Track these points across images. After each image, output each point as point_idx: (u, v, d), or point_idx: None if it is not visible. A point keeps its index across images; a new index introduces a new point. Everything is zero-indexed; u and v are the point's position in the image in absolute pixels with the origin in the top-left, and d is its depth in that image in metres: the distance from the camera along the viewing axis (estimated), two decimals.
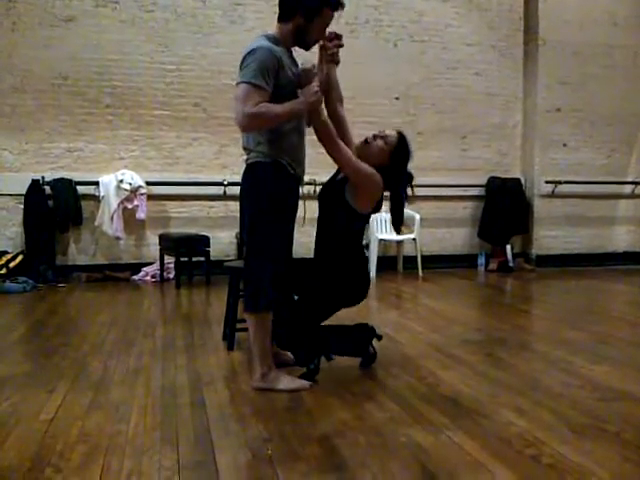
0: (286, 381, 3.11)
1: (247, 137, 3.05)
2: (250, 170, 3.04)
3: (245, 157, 3.10)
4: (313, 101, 2.91)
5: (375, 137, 3.27)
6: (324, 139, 3.06)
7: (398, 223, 3.39)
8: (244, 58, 2.87)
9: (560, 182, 8.13)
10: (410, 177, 3.35)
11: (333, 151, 3.07)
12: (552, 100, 8.14)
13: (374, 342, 3.56)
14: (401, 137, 3.29)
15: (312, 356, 3.30)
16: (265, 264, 3.03)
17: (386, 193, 3.29)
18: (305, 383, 3.13)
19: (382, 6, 7.73)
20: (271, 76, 2.81)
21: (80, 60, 6.83)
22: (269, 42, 2.91)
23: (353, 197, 3.16)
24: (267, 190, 2.98)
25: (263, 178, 2.98)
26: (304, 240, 7.50)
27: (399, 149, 3.26)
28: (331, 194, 3.29)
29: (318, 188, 7.70)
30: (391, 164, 3.23)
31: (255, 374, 3.12)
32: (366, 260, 3.50)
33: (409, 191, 3.37)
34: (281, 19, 2.99)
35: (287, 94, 2.90)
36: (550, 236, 8.25)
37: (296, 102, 2.90)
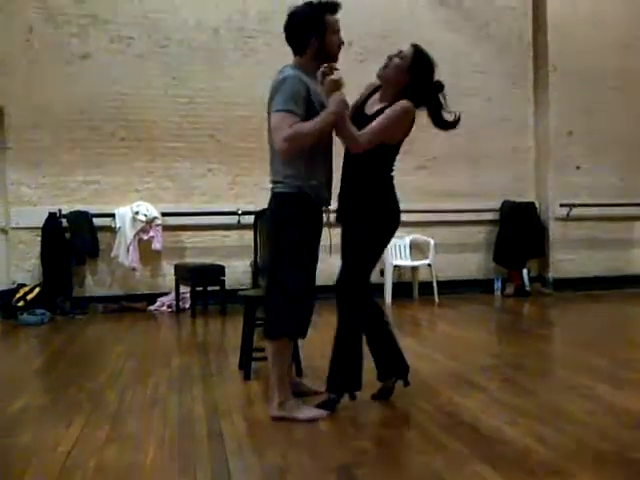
0: (304, 410, 3.09)
1: (273, 168, 3.13)
2: (275, 199, 3.09)
3: (271, 185, 3.14)
4: (340, 108, 2.94)
5: (390, 57, 3.20)
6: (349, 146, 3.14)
7: (446, 129, 3.35)
8: (275, 88, 2.96)
9: (575, 205, 8.08)
10: (439, 86, 3.27)
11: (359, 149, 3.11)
12: (564, 124, 8.14)
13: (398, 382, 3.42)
14: (416, 49, 3.21)
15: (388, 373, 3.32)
16: (285, 292, 3.02)
17: None
18: (323, 412, 3.11)
19: (391, 36, 7.80)
20: (302, 102, 2.88)
21: (96, 95, 6.96)
22: (296, 70, 2.99)
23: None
24: (290, 220, 3.01)
25: (286, 208, 3.02)
26: (322, 267, 7.54)
27: (416, 60, 3.18)
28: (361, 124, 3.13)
29: (332, 216, 7.73)
30: (412, 78, 3.16)
31: (273, 402, 3.10)
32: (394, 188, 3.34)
33: (443, 101, 3.31)
34: (298, 52, 3.06)
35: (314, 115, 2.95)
36: (567, 259, 8.17)
37: (324, 113, 2.94)
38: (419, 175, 7.88)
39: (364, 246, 3.24)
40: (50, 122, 6.86)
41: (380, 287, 7.40)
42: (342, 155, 3.25)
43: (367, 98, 3.33)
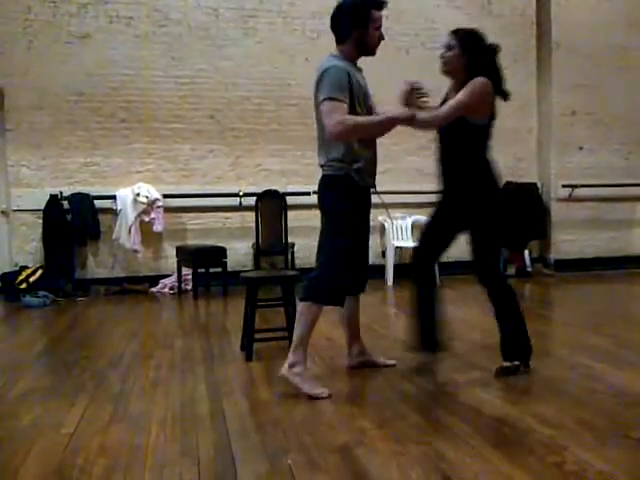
0: (309, 384, 3.14)
1: (321, 152, 3.31)
2: (322, 180, 3.30)
3: (322, 168, 3.32)
4: (400, 122, 3.20)
5: (442, 55, 3.41)
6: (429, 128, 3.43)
7: (505, 98, 3.45)
8: (321, 78, 3.12)
9: (577, 186, 8.06)
10: (494, 48, 3.47)
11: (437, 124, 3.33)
12: (567, 103, 8.08)
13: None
14: (456, 32, 3.42)
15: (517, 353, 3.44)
16: (331, 263, 3.20)
17: None
18: (325, 392, 3.12)
19: (393, 14, 7.70)
20: (346, 89, 3.06)
21: (95, 76, 6.92)
22: (338, 60, 3.17)
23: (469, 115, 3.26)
24: (336, 200, 3.23)
25: (332, 189, 3.24)
26: None
27: (463, 41, 3.38)
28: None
29: None
30: (470, 56, 3.35)
31: (286, 362, 3.17)
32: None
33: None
34: (340, 41, 3.23)
35: (358, 103, 3.15)
36: (568, 240, 8.16)
37: (384, 117, 3.16)
38: (421, 156, 7.83)
39: (489, 230, 3.45)
40: (50, 103, 6.83)
41: (381, 268, 7.42)
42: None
43: (444, 101, 3.49)
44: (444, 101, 3.47)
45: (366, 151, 3.31)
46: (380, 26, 3.22)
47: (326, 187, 3.29)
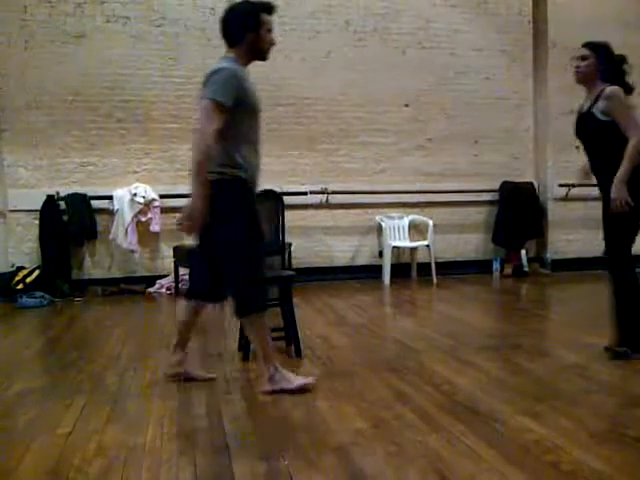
0: (292, 378, 3.18)
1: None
2: (217, 186, 3.11)
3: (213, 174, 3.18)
4: (186, 217, 3.03)
5: (576, 67, 3.76)
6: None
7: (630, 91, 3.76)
8: (209, 77, 3.08)
9: (574, 185, 8.05)
10: (623, 59, 3.83)
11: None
12: (563, 102, 8.06)
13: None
14: (588, 45, 3.78)
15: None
16: (245, 269, 3.15)
17: None
18: (309, 379, 3.19)
19: (390, 14, 7.75)
20: (232, 95, 3.02)
21: (91, 76, 6.91)
22: (231, 63, 3.15)
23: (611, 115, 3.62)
24: (233, 204, 3.12)
25: (226, 194, 3.11)
26: (320, 249, 7.56)
27: (596, 52, 3.74)
28: (587, 124, 3.76)
29: (331, 197, 7.71)
30: (603, 62, 3.72)
31: (263, 377, 3.19)
32: None
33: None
34: (232, 45, 3.22)
35: (248, 111, 3.15)
36: (565, 240, 8.18)
37: (200, 195, 3.00)
38: (418, 155, 7.87)
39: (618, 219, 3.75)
40: (46, 103, 6.81)
41: (379, 268, 7.43)
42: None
43: (579, 110, 3.89)
44: (581, 109, 3.84)
45: (254, 158, 3.30)
46: (271, 30, 3.23)
47: (218, 192, 3.13)
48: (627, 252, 3.79)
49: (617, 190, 3.59)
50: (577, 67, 3.76)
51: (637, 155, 3.54)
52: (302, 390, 3.13)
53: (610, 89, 3.63)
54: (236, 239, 3.12)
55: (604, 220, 3.94)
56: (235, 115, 3.05)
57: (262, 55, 3.27)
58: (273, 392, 3.12)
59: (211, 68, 3.13)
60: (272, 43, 3.27)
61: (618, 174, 3.55)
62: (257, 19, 3.16)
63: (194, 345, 4.33)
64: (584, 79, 3.77)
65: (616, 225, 3.78)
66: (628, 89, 3.74)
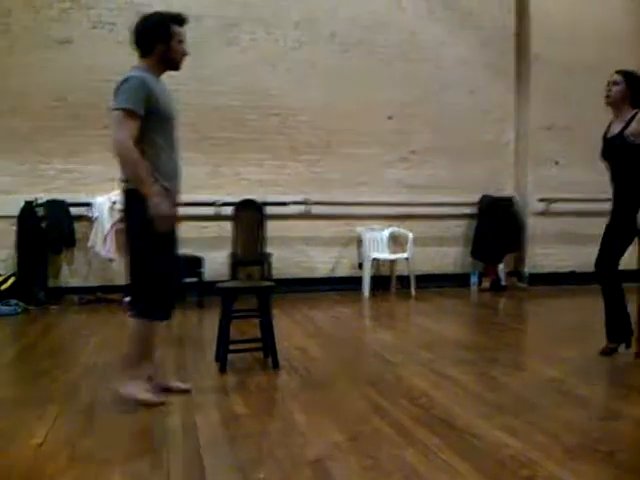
0: (146, 393, 3.20)
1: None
2: (126, 197, 3.19)
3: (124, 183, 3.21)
4: (160, 218, 3.07)
5: (608, 90, 4.16)
6: None
7: None
8: (118, 87, 3.13)
9: (553, 200, 8.17)
10: None
11: None
12: (544, 117, 8.19)
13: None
14: (622, 72, 4.16)
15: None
16: (148, 278, 3.20)
17: None
18: (156, 399, 3.18)
19: (375, 26, 7.81)
20: (143, 103, 3.07)
21: (76, 82, 6.85)
22: (140, 72, 3.19)
23: None
24: (141, 214, 3.08)
25: (137, 203, 3.09)
26: (300, 260, 7.55)
27: (628, 78, 4.11)
28: (618, 146, 4.11)
29: (312, 207, 7.71)
30: (633, 89, 4.09)
31: (121, 379, 3.23)
32: None
33: None
34: (144, 55, 3.28)
35: (160, 118, 3.19)
36: (543, 254, 8.26)
37: (153, 195, 3.04)
38: (399, 167, 7.91)
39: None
40: (29, 108, 6.75)
41: (358, 280, 7.43)
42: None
43: (605, 133, 4.30)
44: (608, 128, 4.26)
45: (172, 165, 3.30)
46: (182, 41, 3.29)
47: (129, 201, 3.19)
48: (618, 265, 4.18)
49: None
50: (609, 91, 4.14)
51: None
52: (145, 404, 3.13)
53: None
54: (146, 249, 3.16)
55: (610, 237, 4.18)
56: (147, 123, 3.10)
57: (174, 65, 3.34)
58: (126, 397, 3.16)
59: (121, 78, 3.17)
60: (184, 54, 3.33)
61: None
62: (167, 30, 3.22)
63: (171, 356, 4.30)
64: (615, 103, 4.14)
65: (623, 243, 4.10)
66: None
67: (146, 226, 3.08)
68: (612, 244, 4.13)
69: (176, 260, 3.46)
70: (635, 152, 4.02)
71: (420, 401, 3.24)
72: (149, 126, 3.12)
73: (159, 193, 3.08)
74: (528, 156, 8.22)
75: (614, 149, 4.16)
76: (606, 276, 4.18)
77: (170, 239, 3.30)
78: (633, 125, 4.01)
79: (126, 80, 3.12)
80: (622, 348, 4.20)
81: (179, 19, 3.28)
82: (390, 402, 3.23)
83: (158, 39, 3.22)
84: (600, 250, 4.23)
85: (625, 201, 4.10)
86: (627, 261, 4.22)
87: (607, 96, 4.17)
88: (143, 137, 3.10)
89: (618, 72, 4.18)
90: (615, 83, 4.13)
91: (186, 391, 3.42)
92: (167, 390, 3.39)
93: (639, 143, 3.99)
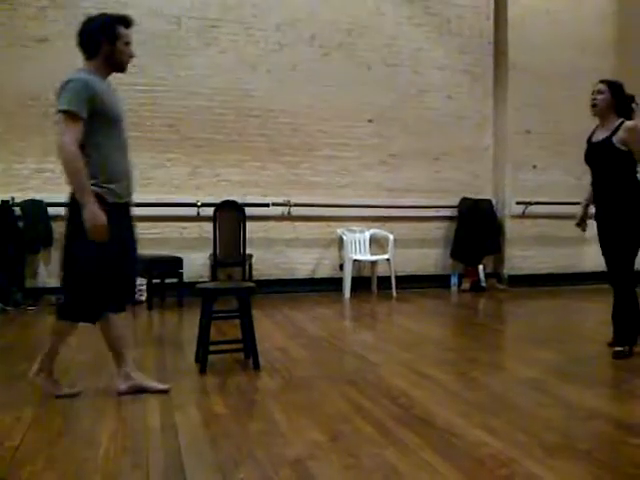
0: (56, 387, 3.31)
1: None
2: (70, 199, 3.19)
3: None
4: (93, 227, 3.04)
5: (594, 99, 4.26)
6: None
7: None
8: (60, 88, 3.10)
9: (530, 203, 8.26)
10: (632, 97, 4.31)
11: None
12: (522, 122, 8.30)
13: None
14: (605, 82, 4.28)
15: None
16: (79, 281, 3.21)
17: None
18: (73, 391, 3.31)
19: (355, 30, 7.85)
20: (86, 105, 3.06)
21: (51, 81, 6.63)
22: (84, 74, 3.18)
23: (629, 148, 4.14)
24: (80, 217, 3.07)
25: (77, 207, 3.10)
26: (281, 261, 7.54)
27: (612, 88, 4.24)
28: (603, 152, 4.23)
29: (293, 209, 7.71)
30: (617, 98, 4.22)
31: (33, 367, 3.32)
32: None
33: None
34: (89, 57, 3.27)
35: (106, 120, 3.17)
36: (521, 256, 8.35)
37: (89, 205, 3.03)
38: (380, 170, 7.95)
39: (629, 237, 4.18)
40: (4, 107, 6.66)
41: (339, 281, 7.45)
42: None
43: (590, 138, 4.42)
44: (593, 133, 4.39)
45: (121, 167, 3.28)
46: (129, 43, 3.29)
47: (71, 204, 3.18)
48: (632, 267, 4.22)
49: None
50: (594, 100, 4.26)
51: None
52: (60, 397, 3.25)
53: (631, 123, 4.16)
54: (86, 253, 3.13)
55: (606, 240, 4.30)
56: (92, 126, 3.08)
57: (120, 67, 3.33)
58: (33, 382, 3.29)
59: (64, 80, 3.15)
60: (130, 56, 3.32)
61: None
62: (113, 32, 3.22)
63: (150, 357, 4.27)
64: (600, 111, 4.27)
65: (623, 245, 4.19)
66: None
67: (82, 231, 3.06)
68: (619, 249, 4.18)
69: (125, 265, 3.35)
70: (621, 158, 4.15)
71: (400, 401, 3.25)
72: (94, 128, 3.10)
73: (95, 203, 3.03)
74: (506, 160, 8.31)
75: (598, 154, 4.28)
76: (621, 282, 4.21)
77: (115, 244, 3.19)
78: (620, 134, 4.14)
79: (67, 82, 3.10)
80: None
81: (125, 21, 3.28)
82: (371, 402, 3.23)
83: (104, 40, 3.21)
84: (607, 259, 4.30)
85: (612, 203, 4.22)
86: None
87: (593, 105, 4.28)
88: (88, 140, 3.09)
89: (602, 81, 4.30)
90: (600, 92, 4.25)
91: (163, 391, 3.38)
92: (144, 390, 3.37)
93: (623, 150, 4.13)
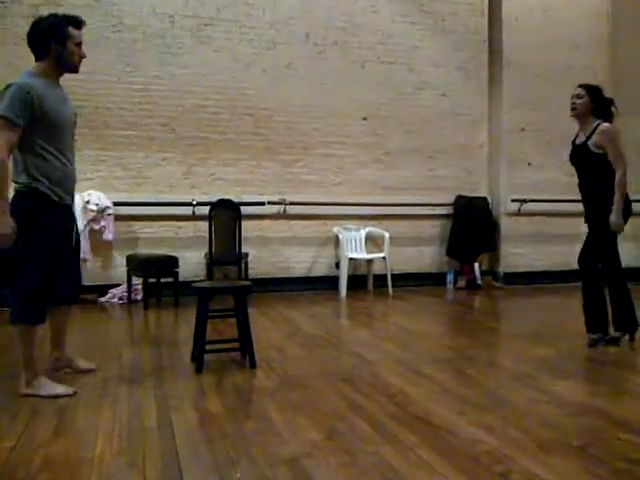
0: (49, 388, 3.31)
1: (15, 166, 3.26)
2: (13, 198, 3.22)
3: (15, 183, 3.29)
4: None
5: (573, 104, 4.42)
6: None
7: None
8: (2, 92, 3.13)
9: (525, 201, 8.28)
10: (611, 100, 4.45)
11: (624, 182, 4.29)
12: (516, 120, 8.31)
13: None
14: (585, 86, 4.43)
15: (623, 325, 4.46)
16: (26, 281, 3.24)
17: None
18: (68, 390, 3.32)
19: (350, 28, 7.84)
20: (25, 111, 3.08)
21: None
22: (30, 77, 3.21)
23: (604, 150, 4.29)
24: (23, 216, 3.15)
25: (19, 205, 3.18)
26: (276, 259, 7.54)
27: (590, 91, 4.39)
28: (583, 155, 4.42)
29: (289, 207, 7.71)
30: (595, 102, 4.38)
31: (21, 380, 3.31)
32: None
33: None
34: (39, 58, 3.29)
35: (47, 125, 3.21)
36: (517, 254, 8.37)
37: (2, 212, 3.03)
38: (375, 168, 7.95)
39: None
40: None
41: (335, 279, 7.45)
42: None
43: (574, 140, 4.61)
44: (577, 140, 4.54)
45: (61, 172, 3.32)
46: (80, 43, 3.31)
47: (13, 203, 3.22)
48: (619, 259, 4.49)
49: (618, 216, 4.24)
50: (573, 104, 4.42)
51: (625, 184, 4.23)
52: (56, 397, 3.25)
53: (605, 126, 4.30)
54: (23, 250, 3.18)
55: (591, 238, 4.48)
56: (32, 131, 3.12)
57: (71, 68, 3.35)
58: (28, 395, 3.25)
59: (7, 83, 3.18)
60: (82, 56, 3.35)
61: (616, 203, 4.21)
62: (63, 32, 3.24)
63: (146, 357, 4.27)
64: (579, 115, 4.43)
65: (607, 241, 4.40)
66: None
67: (24, 227, 3.13)
68: (600, 251, 4.46)
69: (65, 261, 3.46)
70: (597, 161, 4.32)
71: (397, 399, 3.26)
72: (35, 133, 3.14)
73: (6, 212, 3.05)
74: (501, 157, 8.33)
75: (579, 157, 4.49)
76: (586, 270, 4.50)
77: (59, 242, 3.34)
78: (594, 138, 4.31)
79: (8, 87, 3.11)
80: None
81: (76, 21, 3.31)
82: (367, 400, 3.24)
83: (53, 40, 3.23)
84: (583, 256, 4.55)
85: (594, 202, 4.41)
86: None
87: (572, 109, 4.44)
88: (28, 144, 3.14)
89: (581, 86, 4.45)
90: (579, 96, 4.41)
91: (90, 370, 3.76)
92: (74, 369, 3.68)
93: (599, 153, 4.30)
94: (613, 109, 4.45)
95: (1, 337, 5.03)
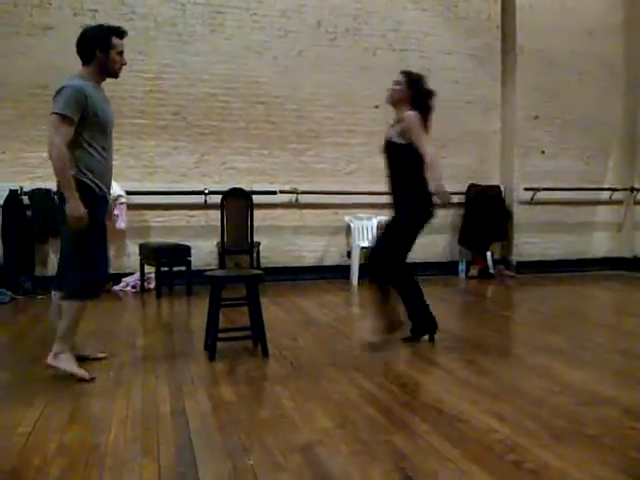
0: (71, 365, 3.44)
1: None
2: (59, 191, 3.46)
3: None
4: (74, 218, 3.32)
5: (392, 88, 4.10)
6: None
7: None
8: (57, 93, 3.40)
9: (539, 189, 8.22)
10: (431, 92, 4.10)
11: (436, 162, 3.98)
12: (530, 107, 8.24)
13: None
14: (405, 72, 4.12)
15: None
16: (77, 262, 3.49)
17: None
18: (86, 375, 3.39)
19: (361, 15, 7.79)
20: (78, 109, 3.35)
21: (59, 69, 6.74)
22: (80, 80, 3.49)
23: (408, 139, 3.96)
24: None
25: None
26: (288, 248, 7.55)
27: (409, 78, 4.08)
28: (392, 147, 4.16)
29: (300, 196, 7.71)
30: (413, 91, 4.03)
31: (51, 351, 3.46)
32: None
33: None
34: (85, 63, 3.58)
35: (96, 122, 3.45)
36: (530, 242, 8.33)
37: (73, 198, 3.31)
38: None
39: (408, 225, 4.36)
40: (12, 96, 6.67)
41: (347, 268, 7.45)
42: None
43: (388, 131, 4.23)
44: (390, 127, 4.20)
45: (103, 166, 3.55)
46: (122, 52, 3.61)
47: (61, 193, 3.43)
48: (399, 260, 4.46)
49: (441, 187, 3.96)
50: (391, 90, 4.10)
51: (437, 166, 3.91)
52: (74, 377, 3.38)
53: (407, 113, 3.94)
54: (74, 232, 3.39)
55: (391, 230, 4.41)
56: (82, 128, 3.38)
57: (112, 73, 3.63)
58: (51, 367, 3.44)
59: (62, 84, 3.44)
60: (123, 63, 3.65)
61: (435, 179, 3.93)
62: (107, 42, 3.54)
63: (160, 345, 4.30)
64: (394, 103, 4.12)
65: (410, 234, 4.43)
66: (426, 124, 4.01)
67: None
68: (387, 242, 4.37)
69: (102, 247, 3.68)
70: (402, 150, 4.03)
71: (408, 387, 3.26)
72: (83, 130, 3.39)
73: (77, 197, 3.31)
74: (514, 145, 8.27)
75: (388, 147, 4.20)
76: (378, 273, 4.34)
77: (96, 229, 3.52)
78: (397, 127, 4.03)
79: (62, 88, 3.38)
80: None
81: (119, 32, 3.61)
82: (379, 388, 3.25)
83: (98, 49, 3.52)
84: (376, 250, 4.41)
85: (401, 195, 4.26)
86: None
87: (390, 95, 4.14)
88: (78, 141, 3.38)
89: (402, 72, 4.15)
90: (397, 83, 4.09)
91: (102, 358, 3.84)
92: (84, 358, 3.73)
93: (404, 143, 3.99)
94: (430, 102, 4.09)
95: (18, 325, 5.09)
